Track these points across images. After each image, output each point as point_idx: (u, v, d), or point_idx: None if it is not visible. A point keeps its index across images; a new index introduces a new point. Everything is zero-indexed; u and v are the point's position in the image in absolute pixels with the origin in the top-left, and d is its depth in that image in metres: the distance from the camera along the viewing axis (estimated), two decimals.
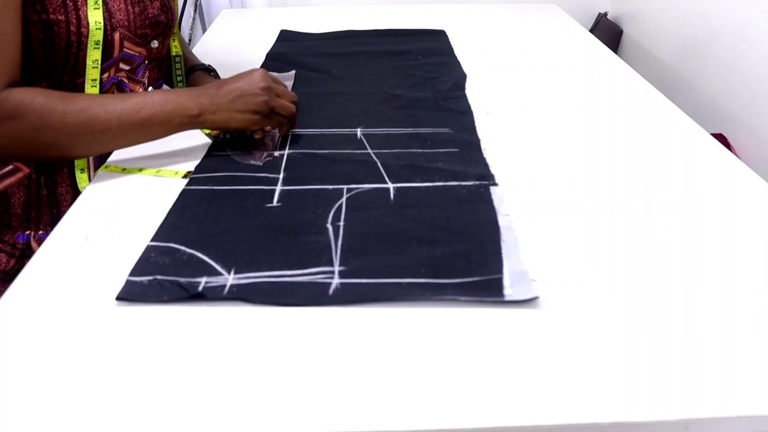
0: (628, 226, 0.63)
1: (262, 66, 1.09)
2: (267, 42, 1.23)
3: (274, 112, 0.75)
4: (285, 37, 1.28)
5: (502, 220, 0.63)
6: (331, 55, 1.16)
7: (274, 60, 1.12)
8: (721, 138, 1.12)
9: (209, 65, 0.96)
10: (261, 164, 0.73)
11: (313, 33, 1.30)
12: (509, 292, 0.53)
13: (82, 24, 0.71)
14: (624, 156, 0.78)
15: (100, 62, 0.74)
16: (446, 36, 1.27)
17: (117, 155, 0.77)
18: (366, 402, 0.43)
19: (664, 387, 0.44)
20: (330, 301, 0.52)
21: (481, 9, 1.50)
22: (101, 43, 0.73)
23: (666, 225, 0.63)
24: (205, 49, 1.22)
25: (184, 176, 0.71)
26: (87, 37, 0.72)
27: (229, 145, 0.78)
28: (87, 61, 0.73)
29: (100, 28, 0.72)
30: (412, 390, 0.44)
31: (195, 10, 1.72)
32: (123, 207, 0.66)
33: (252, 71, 0.75)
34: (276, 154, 0.77)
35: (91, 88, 0.74)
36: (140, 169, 0.73)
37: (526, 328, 0.50)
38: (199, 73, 0.95)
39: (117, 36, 0.75)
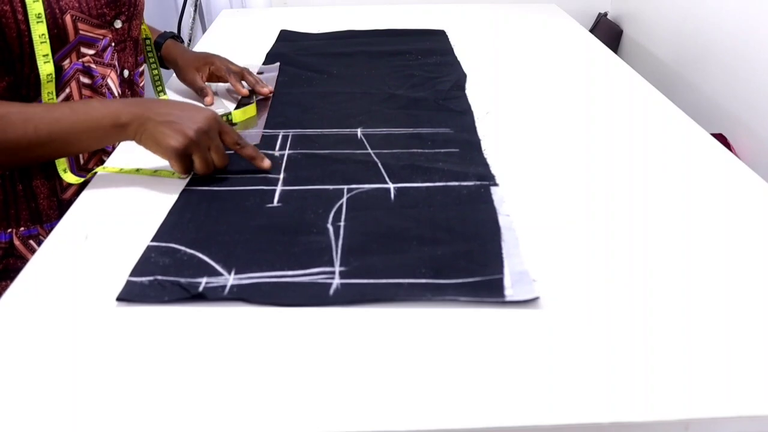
0: (629, 227, 0.63)
1: (262, 66, 1.09)
2: (267, 42, 1.23)
3: (191, 157, 0.68)
4: (285, 37, 1.28)
5: (502, 220, 0.63)
6: (331, 55, 1.16)
7: (274, 60, 1.12)
8: (721, 138, 1.12)
9: (174, 33, 0.99)
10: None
11: (312, 33, 1.30)
12: (510, 292, 0.53)
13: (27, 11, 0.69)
14: (624, 156, 0.78)
15: (47, 36, 0.71)
16: (446, 36, 1.27)
17: (115, 156, 0.77)
18: (366, 402, 0.43)
19: (664, 387, 0.44)
20: (331, 301, 0.52)
21: (481, 9, 1.50)
22: (43, 16, 0.70)
23: (666, 225, 0.64)
24: (205, 49, 1.22)
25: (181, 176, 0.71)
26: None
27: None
28: (33, 36, 0.70)
29: (37, 1, 0.69)
30: (412, 390, 0.44)
31: (195, 10, 1.73)
32: (123, 207, 0.66)
33: (203, 109, 0.70)
34: (276, 153, 0.77)
35: (45, 64, 0.72)
36: (137, 170, 0.73)
37: (526, 329, 0.50)
38: (170, 42, 0.97)
39: (68, 18, 0.73)
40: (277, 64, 1.07)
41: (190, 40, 1.70)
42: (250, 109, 0.89)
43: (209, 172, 0.70)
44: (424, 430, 0.42)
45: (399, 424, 0.42)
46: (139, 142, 0.68)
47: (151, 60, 0.95)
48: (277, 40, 1.25)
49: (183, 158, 0.67)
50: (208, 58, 0.96)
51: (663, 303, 0.53)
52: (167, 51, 0.97)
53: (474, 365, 0.46)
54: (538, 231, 0.62)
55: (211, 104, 0.92)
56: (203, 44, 1.26)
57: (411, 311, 0.52)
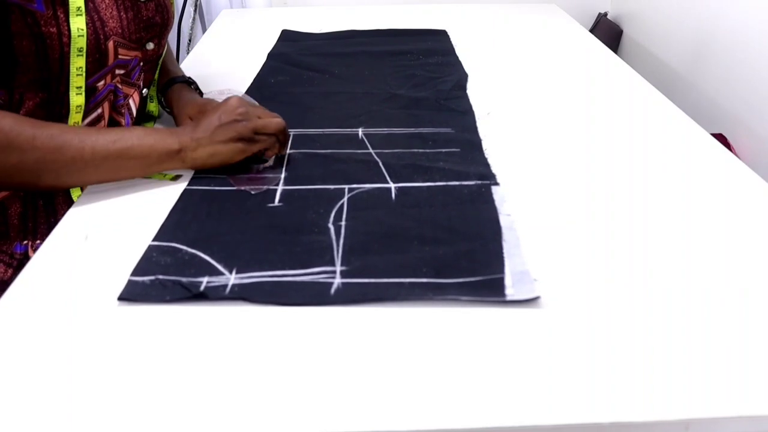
0: (629, 226, 0.63)
1: (263, 66, 1.09)
2: (267, 42, 1.23)
3: (258, 134, 0.71)
4: (286, 36, 1.28)
5: (503, 220, 0.63)
6: (332, 55, 1.16)
7: (275, 60, 1.12)
8: (721, 138, 1.12)
9: (189, 77, 0.92)
10: (252, 193, 0.68)
11: (314, 33, 1.30)
12: (511, 291, 0.53)
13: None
14: (624, 156, 0.78)
15: (84, 69, 0.72)
16: (447, 36, 1.28)
17: None
18: (366, 402, 0.44)
19: (664, 387, 0.45)
20: (332, 300, 0.52)
21: (482, 9, 1.50)
22: (84, 50, 0.70)
23: (666, 225, 0.64)
24: (205, 49, 1.22)
25: (173, 179, 0.71)
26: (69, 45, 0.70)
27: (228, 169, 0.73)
28: (71, 69, 0.71)
29: (82, 35, 0.69)
30: (412, 390, 0.44)
31: (195, 10, 1.73)
32: (123, 207, 0.66)
33: (227, 100, 0.73)
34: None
35: (76, 96, 0.72)
36: None
37: (527, 328, 0.50)
38: (178, 86, 0.89)
39: (111, 44, 0.73)
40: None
41: (190, 40, 1.70)
42: None
43: (280, 130, 0.72)
44: (424, 430, 0.42)
45: (399, 424, 0.42)
46: (194, 164, 0.71)
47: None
48: (278, 39, 1.25)
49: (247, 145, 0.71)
50: (203, 106, 0.83)
51: (663, 303, 0.53)
52: (169, 96, 0.89)
53: (474, 365, 0.46)
54: (538, 231, 0.62)
55: None
56: (203, 44, 1.26)
57: (412, 311, 0.52)
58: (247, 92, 0.97)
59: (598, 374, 0.46)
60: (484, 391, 0.44)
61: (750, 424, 0.43)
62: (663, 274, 0.56)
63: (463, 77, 1.04)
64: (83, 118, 0.75)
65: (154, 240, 0.60)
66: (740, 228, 0.63)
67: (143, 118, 0.88)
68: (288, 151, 0.78)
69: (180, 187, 0.69)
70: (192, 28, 1.72)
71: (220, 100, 0.79)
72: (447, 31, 1.31)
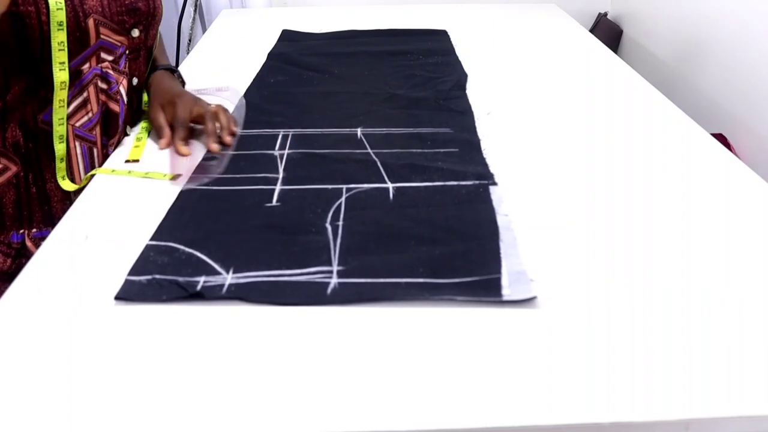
0: (628, 226, 0.63)
1: (263, 66, 1.09)
2: (267, 42, 1.23)
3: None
4: (286, 36, 1.28)
5: (501, 220, 0.63)
6: (332, 55, 1.16)
7: (275, 60, 1.12)
8: (721, 138, 1.12)
9: (173, 66, 0.92)
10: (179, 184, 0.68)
11: (314, 33, 1.30)
12: (507, 291, 0.53)
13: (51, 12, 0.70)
14: (624, 156, 0.78)
15: (66, 45, 0.71)
16: (447, 36, 1.27)
17: (112, 158, 0.77)
18: (366, 402, 0.43)
19: (664, 387, 0.44)
20: (328, 300, 0.52)
21: (482, 9, 1.50)
22: (65, 24, 0.70)
23: (666, 225, 0.63)
24: (205, 49, 1.22)
25: (172, 179, 0.71)
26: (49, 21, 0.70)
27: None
28: (52, 43, 0.71)
29: (61, 8, 0.70)
30: (412, 390, 0.44)
31: (195, 10, 1.72)
32: (122, 207, 0.66)
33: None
34: (276, 153, 0.76)
35: (60, 71, 0.72)
36: (129, 171, 0.72)
37: (524, 328, 0.50)
38: (159, 72, 0.88)
39: (91, 22, 0.73)
40: (244, 102, 0.93)
41: (190, 40, 1.70)
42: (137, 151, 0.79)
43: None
44: (424, 430, 0.42)
45: (398, 424, 0.42)
46: None
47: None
48: (279, 39, 1.25)
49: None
50: (173, 98, 0.83)
51: (663, 303, 0.53)
52: (149, 82, 0.89)
53: (473, 365, 0.46)
54: (536, 231, 0.62)
55: (164, 148, 0.79)
56: (203, 44, 1.26)
57: (409, 311, 0.51)
58: (247, 92, 0.97)
59: (597, 374, 0.45)
60: (484, 391, 0.44)
61: (750, 424, 0.43)
62: (663, 274, 0.56)
63: (462, 77, 1.04)
64: (69, 102, 0.75)
65: (151, 240, 0.59)
66: (740, 228, 0.63)
67: (138, 110, 0.88)
68: (286, 150, 0.77)
69: (178, 186, 0.69)
70: (192, 28, 1.72)
71: (216, 96, 0.79)
72: (447, 31, 1.30)
